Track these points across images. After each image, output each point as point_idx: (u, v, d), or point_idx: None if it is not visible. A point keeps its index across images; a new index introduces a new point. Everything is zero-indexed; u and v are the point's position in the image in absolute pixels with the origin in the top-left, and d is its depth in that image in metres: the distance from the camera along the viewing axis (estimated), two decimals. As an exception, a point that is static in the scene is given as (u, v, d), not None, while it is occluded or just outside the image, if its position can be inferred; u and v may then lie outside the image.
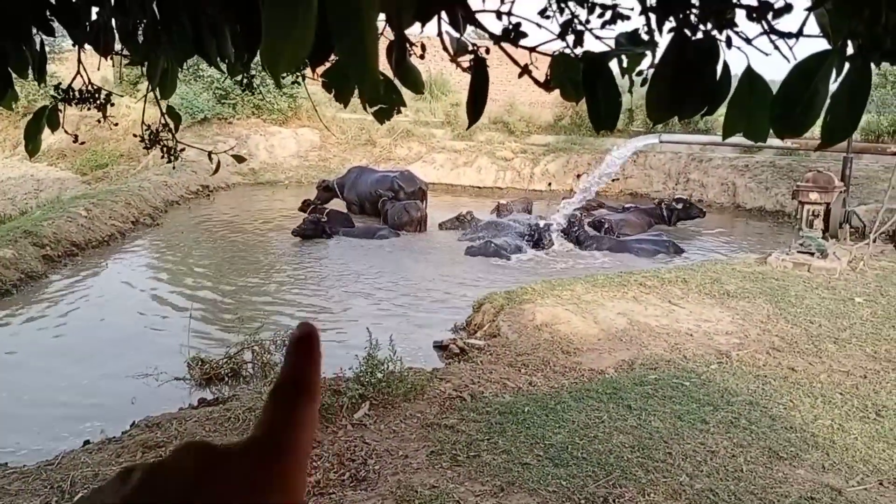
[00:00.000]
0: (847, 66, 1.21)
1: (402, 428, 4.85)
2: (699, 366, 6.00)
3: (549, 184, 19.91)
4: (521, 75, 1.72)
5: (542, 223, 12.98)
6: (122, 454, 4.42)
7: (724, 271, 9.14)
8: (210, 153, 3.06)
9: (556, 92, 1.66)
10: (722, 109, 1.43)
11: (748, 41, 1.33)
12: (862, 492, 4.12)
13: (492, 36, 1.55)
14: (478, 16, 1.65)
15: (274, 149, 20.74)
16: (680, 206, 14.66)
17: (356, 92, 1.82)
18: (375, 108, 1.80)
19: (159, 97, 2.73)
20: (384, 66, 1.78)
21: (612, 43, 1.65)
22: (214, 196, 17.18)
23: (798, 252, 9.62)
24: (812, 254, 9.47)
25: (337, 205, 14.98)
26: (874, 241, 10.19)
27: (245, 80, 3.26)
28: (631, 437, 4.64)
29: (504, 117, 21.68)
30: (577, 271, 10.18)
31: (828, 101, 1.19)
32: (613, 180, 18.67)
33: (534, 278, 9.24)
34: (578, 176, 19.04)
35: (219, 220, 14.48)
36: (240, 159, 3.02)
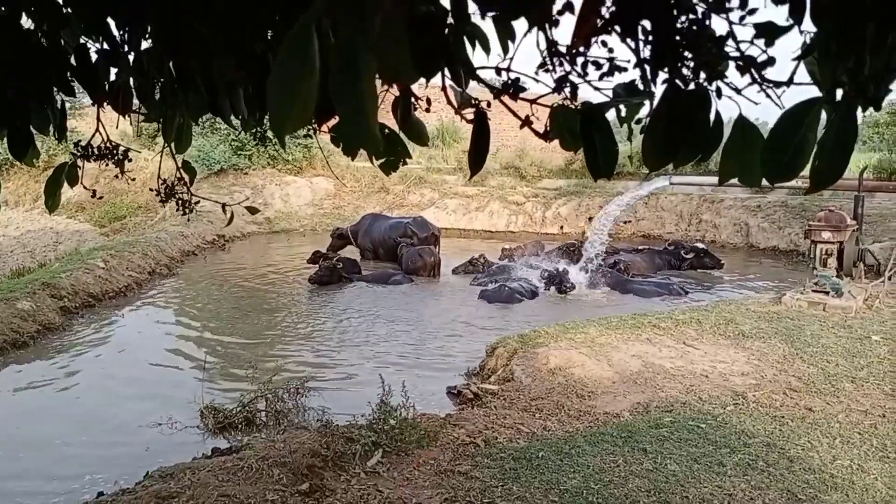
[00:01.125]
0: (833, 113, 1.26)
1: (415, 475, 4.81)
2: (715, 407, 5.93)
3: (562, 227, 19.99)
4: (521, 127, 1.79)
5: (561, 267, 12.99)
6: (136, 505, 4.41)
7: (738, 311, 9.09)
8: (224, 205, 3.14)
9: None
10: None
11: (738, 91, 1.38)
12: (885, 535, 4.04)
13: (492, 90, 1.62)
14: (479, 71, 1.72)
15: (289, 198, 21.02)
16: (691, 255, 14.28)
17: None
18: (381, 160, 1.86)
19: (175, 152, 2.83)
20: (391, 118, 1.85)
21: (610, 93, 1.71)
22: (230, 246, 17.38)
23: (813, 291, 9.56)
24: (827, 293, 9.41)
25: (350, 253, 15.10)
26: (889, 279, 10.11)
27: (259, 134, 3.35)
28: (647, 481, 4.58)
29: (515, 162, 21.91)
30: (589, 313, 10.14)
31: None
32: (625, 222, 18.74)
33: (547, 321, 9.22)
34: (590, 219, 19.09)
35: (234, 269, 14.62)
36: (253, 210, 3.09)
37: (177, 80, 2.38)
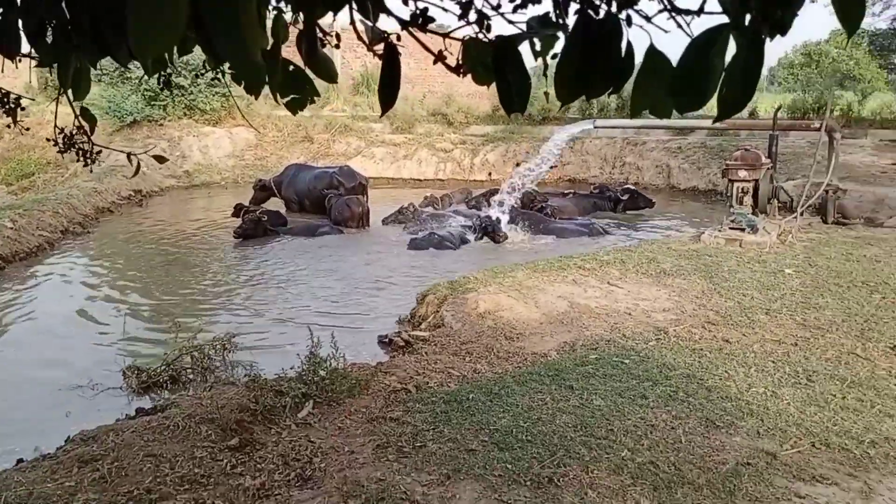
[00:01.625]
0: (741, 39, 1.25)
1: (347, 424, 4.81)
2: (638, 343, 6.13)
3: (490, 174, 20.06)
4: (435, 62, 1.73)
5: (492, 215, 13.04)
6: (58, 470, 4.26)
7: (660, 251, 9.37)
8: (129, 154, 2.97)
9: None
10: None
11: (648, 19, 1.35)
12: (796, 455, 4.28)
13: (401, 22, 1.55)
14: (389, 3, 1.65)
15: (208, 149, 20.31)
16: (626, 196, 14.89)
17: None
18: (287, 98, 1.77)
19: (72, 99, 2.64)
20: (295, 54, 1.76)
21: (524, 27, 1.66)
22: (148, 201, 16.74)
23: (730, 228, 9.92)
24: (743, 229, 9.79)
25: (274, 204, 14.77)
26: (801, 215, 10.58)
27: (164, 79, 3.17)
28: (574, 417, 4.71)
29: (442, 109, 21.72)
30: (518, 258, 10.26)
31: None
32: (552, 167, 18.93)
33: (476, 267, 9.29)
34: (518, 164, 19.20)
35: (153, 225, 14.12)
36: (160, 160, 2.93)
37: (70, 20, 2.20)
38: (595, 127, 14.83)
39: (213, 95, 20.42)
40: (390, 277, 10.14)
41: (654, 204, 14.98)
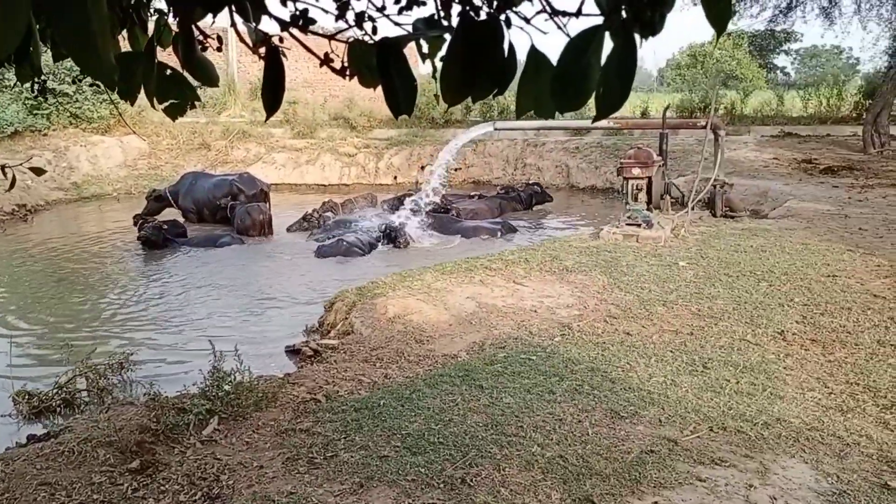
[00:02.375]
0: (616, 40, 1.29)
1: (255, 439, 4.68)
2: (544, 340, 6.26)
3: (395, 177, 20.03)
4: (322, 65, 1.70)
5: (396, 221, 13.00)
6: (-62, 509, 3.95)
7: (562, 248, 9.61)
8: (3, 167, 2.78)
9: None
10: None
11: (527, 20, 1.38)
12: (695, 440, 4.47)
13: (281, 23, 1.51)
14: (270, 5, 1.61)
15: (98, 159, 19.33)
16: (538, 190, 15.72)
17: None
18: (166, 103, 1.70)
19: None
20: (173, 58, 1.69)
21: (410, 29, 1.66)
22: (33, 217, 15.76)
23: (626, 224, 10.29)
24: (639, 225, 10.17)
25: (171, 215, 14.22)
26: (692, 209, 11.10)
27: (37, 86, 2.98)
28: (484, 416, 4.76)
29: (344, 113, 21.55)
30: (426, 261, 10.29)
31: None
32: (456, 170, 19.11)
33: (385, 272, 9.25)
34: (422, 168, 19.28)
35: (39, 242, 13.30)
36: (38, 172, 2.77)
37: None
38: (496, 129, 15.06)
39: (101, 103, 19.46)
40: (296, 287, 9.96)
41: (553, 199, 15.93)
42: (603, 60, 1.28)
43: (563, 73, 1.26)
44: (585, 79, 1.25)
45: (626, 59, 1.25)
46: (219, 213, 14.02)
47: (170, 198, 14.44)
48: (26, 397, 6.04)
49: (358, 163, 20.33)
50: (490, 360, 5.77)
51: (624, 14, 1.29)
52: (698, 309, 7.01)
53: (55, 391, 6.09)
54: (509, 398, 5.03)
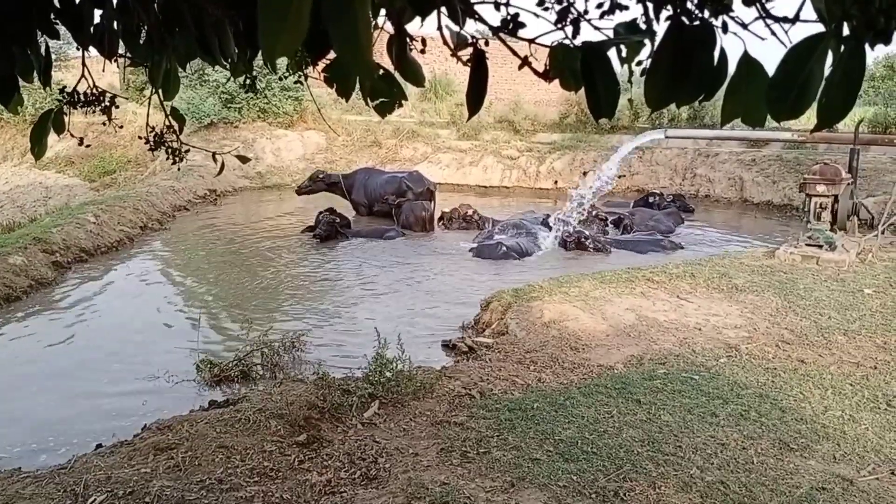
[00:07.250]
0: (842, 48, 1.22)
1: (411, 426, 4.86)
2: (708, 360, 5.98)
3: (556, 182, 19.87)
4: (521, 67, 1.74)
5: (570, 228, 12.80)
6: (134, 456, 4.44)
7: (732, 265, 9.13)
8: (214, 154, 3.09)
9: (562, 91, 1.67)
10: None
11: (744, 26, 1.34)
12: (874, 482, 4.11)
13: (491, 28, 1.57)
14: (477, 8, 1.67)
15: (280, 152, 20.81)
16: (682, 200, 15.72)
17: (358, 87, 1.85)
18: (377, 101, 1.82)
19: (163, 99, 2.76)
20: (386, 59, 1.80)
21: (610, 33, 1.66)
22: (221, 200, 17.26)
23: (806, 245, 9.59)
24: (820, 246, 9.44)
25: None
26: (882, 233, 10.14)
27: (248, 81, 3.27)
28: (640, 432, 4.63)
29: (509, 116, 21.67)
30: (583, 268, 10.15)
31: (823, 84, 1.20)
32: (620, 177, 18.65)
33: (540, 276, 9.23)
34: (585, 174, 18.99)
35: (227, 224, 14.56)
36: (243, 159, 3.04)
37: (163, 21, 2.31)
38: (666, 137, 14.58)
39: (286, 99, 20.95)
40: (454, 283, 10.18)
41: (693, 210, 16.08)
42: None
43: (782, 81, 1.21)
44: (807, 87, 1.19)
45: (853, 67, 1.19)
46: (385, 207, 14.67)
47: (343, 185, 15.27)
48: (209, 366, 6.63)
49: (519, 166, 20.39)
50: (649, 376, 5.60)
51: (847, 25, 1.22)
52: (884, 341, 6.41)
53: (234, 363, 6.63)
54: (668, 416, 4.86)
